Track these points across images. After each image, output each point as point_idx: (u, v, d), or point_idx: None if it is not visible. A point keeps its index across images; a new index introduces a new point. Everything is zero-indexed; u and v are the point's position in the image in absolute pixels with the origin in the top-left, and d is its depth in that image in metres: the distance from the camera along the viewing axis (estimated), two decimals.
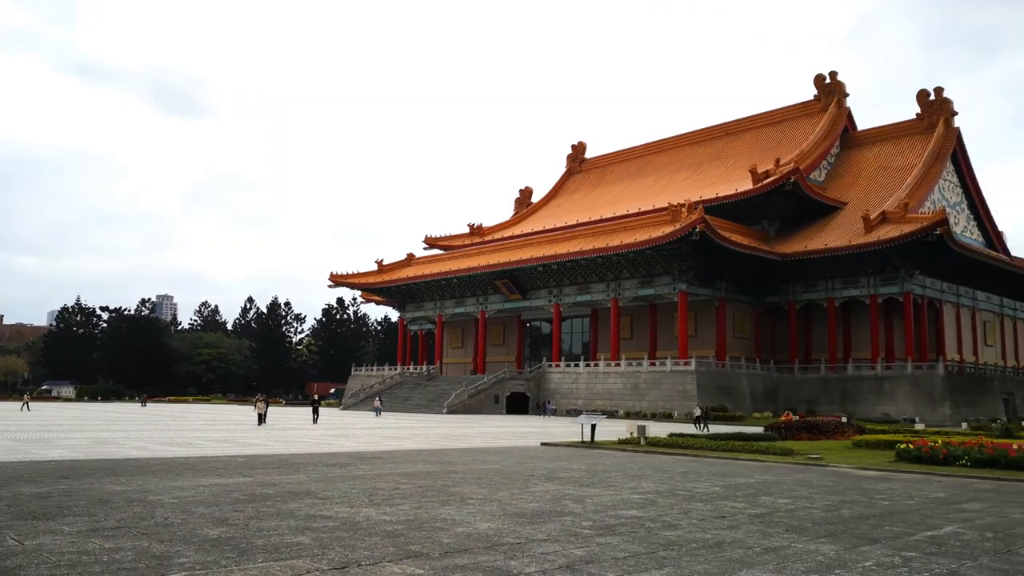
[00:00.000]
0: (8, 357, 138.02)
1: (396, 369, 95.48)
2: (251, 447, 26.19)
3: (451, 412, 69.46)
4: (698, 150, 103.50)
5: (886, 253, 69.19)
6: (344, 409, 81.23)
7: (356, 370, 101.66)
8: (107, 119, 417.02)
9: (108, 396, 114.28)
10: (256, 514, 11.59)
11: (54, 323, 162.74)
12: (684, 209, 68.20)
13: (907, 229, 66.43)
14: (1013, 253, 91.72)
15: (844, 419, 46.83)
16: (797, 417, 43.60)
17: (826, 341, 75.04)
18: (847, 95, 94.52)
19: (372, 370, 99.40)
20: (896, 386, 67.44)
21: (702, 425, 45.16)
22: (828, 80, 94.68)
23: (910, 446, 23.73)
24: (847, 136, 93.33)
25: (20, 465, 18.48)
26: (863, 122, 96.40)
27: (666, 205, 73.84)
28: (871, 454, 26.49)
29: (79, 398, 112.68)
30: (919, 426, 48.92)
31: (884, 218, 70.52)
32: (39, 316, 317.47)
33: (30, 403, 69.71)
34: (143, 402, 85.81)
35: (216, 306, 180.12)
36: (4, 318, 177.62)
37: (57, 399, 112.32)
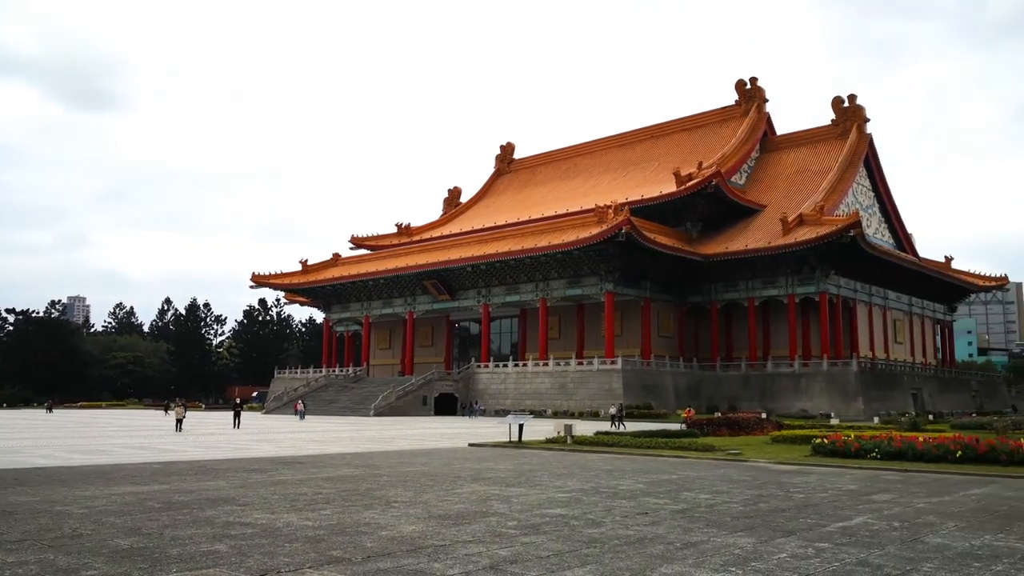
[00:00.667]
0: None
1: (321, 371, 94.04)
2: (168, 453, 25.43)
3: (378, 414, 68.77)
4: (623, 153, 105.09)
5: (803, 254, 71.44)
6: (267, 413, 79.62)
7: (279, 373, 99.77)
8: (7, 109, 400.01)
9: (14, 403, 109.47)
10: (172, 522, 11.23)
11: None
12: (610, 211, 69.13)
13: (823, 231, 68.72)
14: (921, 255, 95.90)
15: (763, 415, 48.18)
16: (693, 413, 45.48)
17: (747, 339, 77.05)
18: (767, 100, 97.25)
19: (296, 372, 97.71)
20: (813, 383, 69.65)
21: (618, 423, 45.55)
22: (749, 86, 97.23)
23: (825, 440, 24.52)
24: (767, 140, 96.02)
25: None
26: (782, 127, 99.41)
27: (593, 207, 74.75)
28: (789, 449, 27.28)
29: None
30: (834, 421, 50.57)
31: (801, 220, 72.81)
32: None
33: None
34: (48, 408, 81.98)
35: (132, 308, 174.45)
36: None
37: None
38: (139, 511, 12.32)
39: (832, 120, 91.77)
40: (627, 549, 9.45)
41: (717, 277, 78.31)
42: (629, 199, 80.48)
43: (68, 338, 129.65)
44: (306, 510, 12.56)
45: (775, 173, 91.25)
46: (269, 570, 8.20)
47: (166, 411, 78.23)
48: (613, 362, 68.05)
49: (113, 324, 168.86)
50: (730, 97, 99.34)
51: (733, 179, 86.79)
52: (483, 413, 70.91)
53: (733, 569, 8.41)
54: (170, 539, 9.93)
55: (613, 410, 48.90)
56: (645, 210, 78.53)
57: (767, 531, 10.83)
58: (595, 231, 68.12)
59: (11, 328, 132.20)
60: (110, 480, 17.04)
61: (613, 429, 41.08)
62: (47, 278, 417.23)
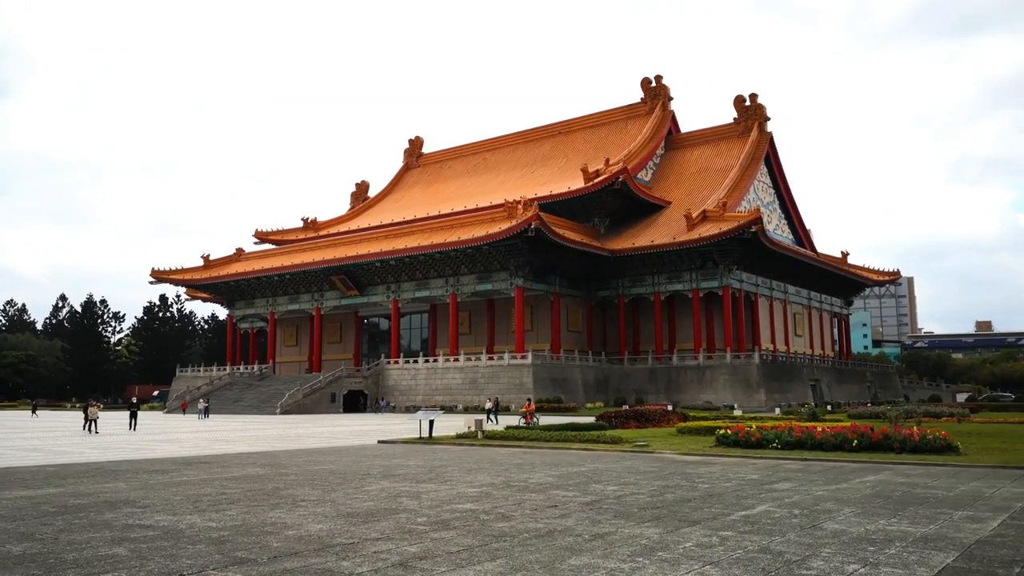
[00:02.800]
0: None
1: (225, 369, 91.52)
2: (64, 455, 24.30)
3: (285, 412, 67.40)
4: (531, 149, 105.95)
5: (706, 249, 73.56)
6: (169, 412, 76.99)
7: (181, 371, 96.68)
8: None
9: None
10: (67, 527, 10.75)
11: None
12: (520, 206, 69.59)
13: (725, 227, 70.89)
14: (819, 250, 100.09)
15: (670, 407, 49.44)
16: (533, 407, 45.94)
17: (653, 333, 78.85)
18: (671, 99, 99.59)
19: (199, 371, 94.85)
20: (717, 375, 71.85)
21: (493, 418, 45.57)
22: (654, 84, 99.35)
23: (728, 431, 25.31)
24: (672, 138, 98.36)
25: None
26: (686, 125, 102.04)
27: (503, 202, 75.10)
28: (694, 440, 28.06)
29: None
30: (737, 412, 52.26)
31: (705, 217, 74.93)
32: None
33: None
34: None
35: (23, 304, 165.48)
36: None
37: None
38: (32, 515, 11.74)
39: (734, 119, 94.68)
40: (536, 542, 9.56)
41: (624, 272, 79.85)
42: (538, 195, 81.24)
43: None
44: (210, 511, 12.22)
45: (680, 170, 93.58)
46: (171, 573, 7.95)
47: (33, 412, 75.58)
48: (524, 357, 68.58)
49: (3, 322, 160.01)
50: (636, 95, 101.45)
51: (639, 176, 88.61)
52: (393, 410, 70.41)
53: (640, 559, 8.61)
54: (66, 543, 9.50)
55: (488, 404, 48.57)
56: (554, 206, 79.42)
57: (673, 521, 11.13)
58: (504, 226, 68.47)
59: None
60: (0, 484, 16.17)
61: (490, 424, 40.44)
62: None
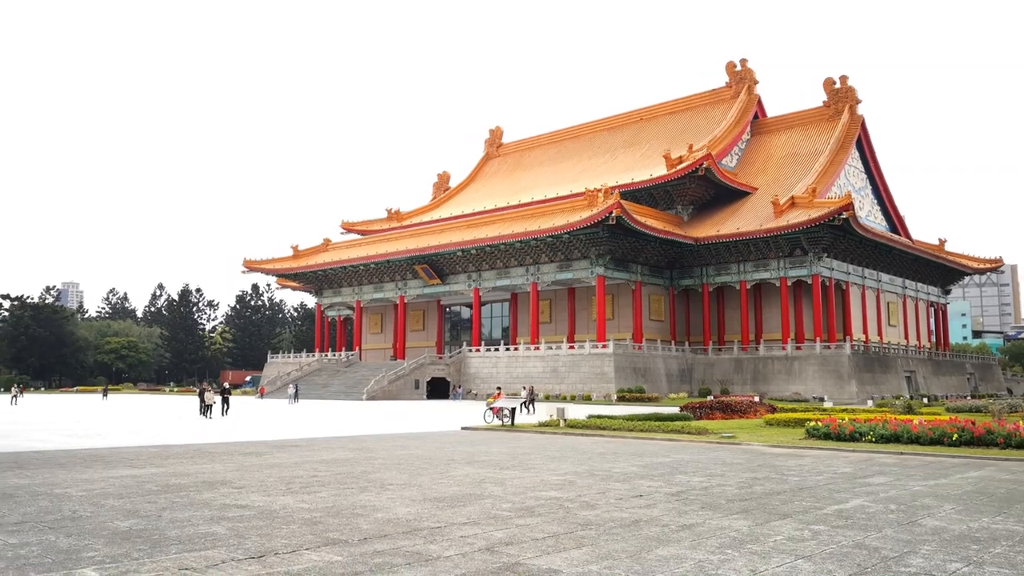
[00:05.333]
0: None
1: (314, 356, 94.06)
2: (163, 437, 25.42)
3: (371, 398, 68.89)
4: (612, 136, 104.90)
5: (795, 237, 71.57)
6: (260, 398, 79.61)
7: (272, 357, 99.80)
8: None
9: (9, 386, 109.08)
10: (169, 505, 11.25)
11: None
12: (600, 194, 69.08)
13: (815, 214, 68.82)
14: (915, 237, 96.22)
15: (756, 398, 48.42)
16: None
17: (739, 323, 77.28)
18: (757, 82, 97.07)
19: (289, 357, 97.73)
20: (806, 366, 69.97)
21: (529, 407, 44.09)
22: (739, 67, 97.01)
23: (819, 424, 24.64)
24: (757, 123, 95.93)
25: None
26: (773, 109, 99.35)
27: (583, 190, 74.66)
28: (782, 432, 27.42)
29: None
30: (827, 404, 50.88)
31: (793, 203, 72.89)
32: None
33: None
34: (19, 393, 79.19)
35: (125, 293, 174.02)
36: None
37: None
38: (137, 493, 12.33)
39: (824, 102, 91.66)
40: (622, 531, 9.51)
41: (708, 260, 78.44)
42: (619, 182, 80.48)
43: (62, 324, 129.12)
44: (302, 492, 12.59)
45: (766, 155, 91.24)
46: (267, 552, 8.22)
47: (104, 395, 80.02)
48: (604, 346, 68.21)
49: (107, 310, 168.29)
50: (720, 79, 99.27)
51: (724, 161, 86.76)
52: (475, 397, 71.02)
53: (729, 551, 8.47)
54: (168, 521, 9.94)
55: (524, 393, 46.86)
56: (635, 193, 78.55)
57: (763, 514, 10.90)
58: (585, 215, 68.10)
59: (6, 313, 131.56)
60: (108, 463, 17.03)
61: (526, 414, 40.09)
62: (40, 262, 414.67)
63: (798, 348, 72.01)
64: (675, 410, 38.65)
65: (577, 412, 37.17)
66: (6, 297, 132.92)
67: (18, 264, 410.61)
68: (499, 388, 35.78)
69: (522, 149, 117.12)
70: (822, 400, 58.18)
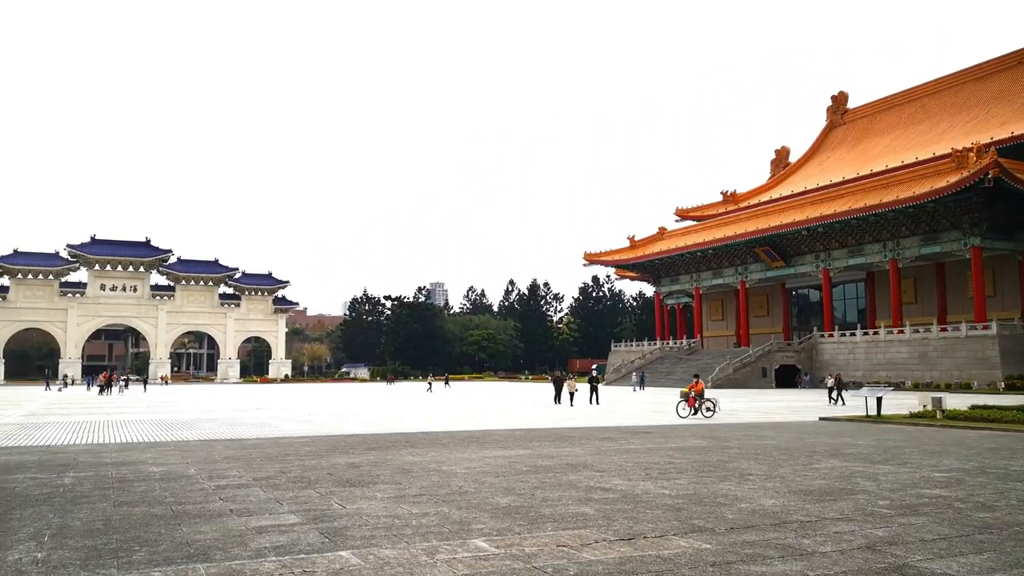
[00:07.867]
0: (313, 344, 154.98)
1: (655, 344, 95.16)
2: (525, 421, 27.34)
3: (716, 386, 67.88)
4: (982, 87, 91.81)
5: None
6: (607, 384, 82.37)
7: (615, 346, 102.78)
8: None
9: (397, 376, 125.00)
10: (540, 484, 12.03)
11: (347, 312, 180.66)
12: (972, 154, 61.07)
13: None
14: None
15: None
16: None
17: None
18: None
19: (631, 346, 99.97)
20: None
21: (837, 397, 39.71)
22: None
23: None
24: None
25: (334, 439, 20.71)
26: None
27: (948, 152, 66.60)
28: None
29: (372, 379, 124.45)
30: None
31: None
32: (335, 306, 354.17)
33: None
34: (389, 381, 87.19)
35: (483, 290, 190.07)
36: (308, 310, 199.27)
37: (353, 380, 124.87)
38: (510, 473, 13.38)
39: None
40: None
41: None
42: (994, 139, 70.50)
43: (432, 319, 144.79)
44: (661, 479, 12.73)
45: None
46: (636, 535, 8.41)
47: (389, 382, 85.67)
48: (986, 327, 60.23)
49: (468, 306, 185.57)
50: None
51: None
52: (825, 386, 66.76)
53: None
54: (541, 500, 10.64)
55: (830, 381, 41.59)
56: (1014, 150, 68.10)
57: None
58: (953, 179, 60.60)
59: (389, 312, 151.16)
60: (482, 444, 18.75)
61: (831, 404, 37.60)
62: (414, 265, 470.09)
63: None
64: None
65: (955, 402, 33.40)
66: (388, 298, 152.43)
67: (396, 269, 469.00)
68: (697, 376, 30.71)
69: (871, 113, 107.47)
70: None
